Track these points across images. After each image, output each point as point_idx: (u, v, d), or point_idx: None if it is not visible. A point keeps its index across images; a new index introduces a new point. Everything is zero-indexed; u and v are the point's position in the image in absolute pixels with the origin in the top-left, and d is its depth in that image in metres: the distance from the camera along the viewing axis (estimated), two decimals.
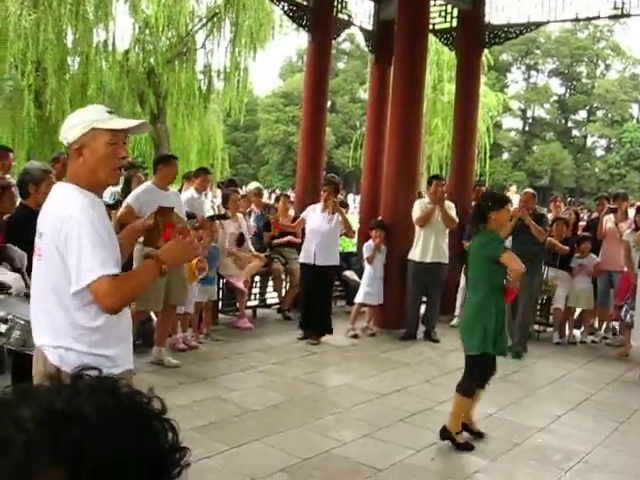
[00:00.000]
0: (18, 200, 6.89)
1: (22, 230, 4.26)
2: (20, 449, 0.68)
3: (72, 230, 2.61)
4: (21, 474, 0.67)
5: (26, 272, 4.99)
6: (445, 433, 5.07)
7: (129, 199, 6.48)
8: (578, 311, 9.39)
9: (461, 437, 5.09)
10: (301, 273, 8.46)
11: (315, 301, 8.07)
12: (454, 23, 10.86)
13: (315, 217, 8.07)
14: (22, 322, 3.72)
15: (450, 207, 8.63)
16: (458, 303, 9.61)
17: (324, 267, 7.98)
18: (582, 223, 10.98)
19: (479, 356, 5.08)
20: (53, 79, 16.78)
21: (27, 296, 4.32)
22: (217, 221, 7.99)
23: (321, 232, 7.95)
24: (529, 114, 61.60)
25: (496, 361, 5.27)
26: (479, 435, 5.31)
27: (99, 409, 0.73)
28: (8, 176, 7.41)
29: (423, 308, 8.97)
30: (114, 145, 2.76)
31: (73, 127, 2.75)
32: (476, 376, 5.17)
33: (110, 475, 0.70)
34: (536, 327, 9.18)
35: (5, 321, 3.71)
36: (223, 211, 8.36)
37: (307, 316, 8.15)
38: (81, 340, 2.72)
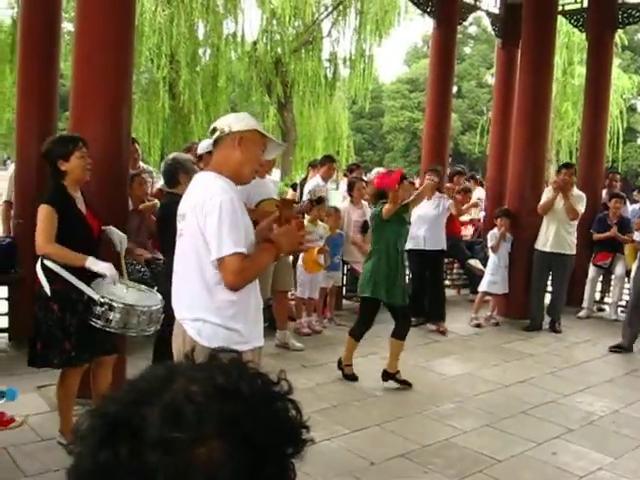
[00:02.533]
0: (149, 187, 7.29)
1: (172, 217, 4.46)
2: (192, 418, 0.75)
3: (214, 208, 2.88)
4: (192, 440, 0.75)
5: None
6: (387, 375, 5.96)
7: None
8: None
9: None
10: (411, 259, 8.46)
11: (428, 287, 8.13)
12: (584, 3, 10.45)
13: (422, 204, 8.05)
14: (121, 305, 3.90)
15: (579, 197, 8.34)
16: (586, 295, 9.32)
17: (434, 252, 8.03)
18: None
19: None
20: (185, 71, 17.46)
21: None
22: (320, 205, 8.05)
23: (428, 218, 7.98)
24: None
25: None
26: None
27: (251, 387, 0.81)
28: (142, 164, 7.84)
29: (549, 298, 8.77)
30: (262, 152, 3.15)
31: (240, 121, 3.09)
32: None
33: (259, 447, 0.78)
34: None
35: (101, 304, 3.88)
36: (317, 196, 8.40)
37: (418, 302, 8.16)
38: (218, 313, 2.98)
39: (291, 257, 7.25)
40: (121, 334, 4.14)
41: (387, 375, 5.94)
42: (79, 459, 0.78)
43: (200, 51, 19.08)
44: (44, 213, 4.01)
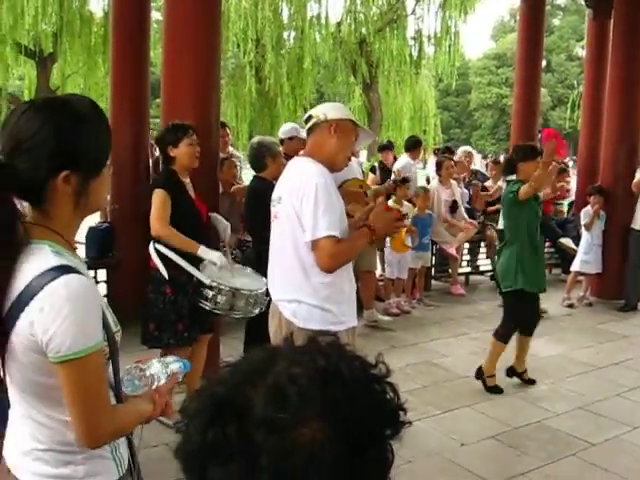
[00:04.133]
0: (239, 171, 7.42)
1: (261, 200, 4.57)
2: (296, 399, 0.79)
3: (310, 191, 2.96)
4: (296, 421, 0.78)
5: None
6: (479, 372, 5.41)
7: None
8: None
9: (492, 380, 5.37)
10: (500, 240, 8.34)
11: None
12: None
13: None
14: (227, 289, 4.03)
15: None
16: None
17: None
18: None
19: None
20: (271, 55, 17.59)
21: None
22: (405, 184, 8.02)
23: None
24: None
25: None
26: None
27: (351, 369, 0.83)
28: (231, 149, 7.98)
29: None
30: (354, 141, 3.23)
31: (336, 109, 3.21)
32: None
33: (358, 429, 0.80)
34: None
35: (210, 288, 4.02)
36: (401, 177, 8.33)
37: None
38: (313, 294, 3.05)
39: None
40: (227, 315, 4.29)
41: (513, 371, 5.55)
42: (188, 437, 0.82)
43: (285, 34, 19.19)
44: (159, 197, 4.18)
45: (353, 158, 6.90)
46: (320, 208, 2.94)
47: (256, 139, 5.67)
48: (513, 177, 5.30)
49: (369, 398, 0.83)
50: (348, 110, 3.30)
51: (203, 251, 4.15)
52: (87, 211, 1.67)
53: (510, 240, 5.26)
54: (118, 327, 1.74)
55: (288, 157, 5.40)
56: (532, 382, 5.53)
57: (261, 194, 5.04)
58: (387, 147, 9.73)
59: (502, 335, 5.35)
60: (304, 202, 2.96)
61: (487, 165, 9.84)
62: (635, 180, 8.14)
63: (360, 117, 20.87)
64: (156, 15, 14.59)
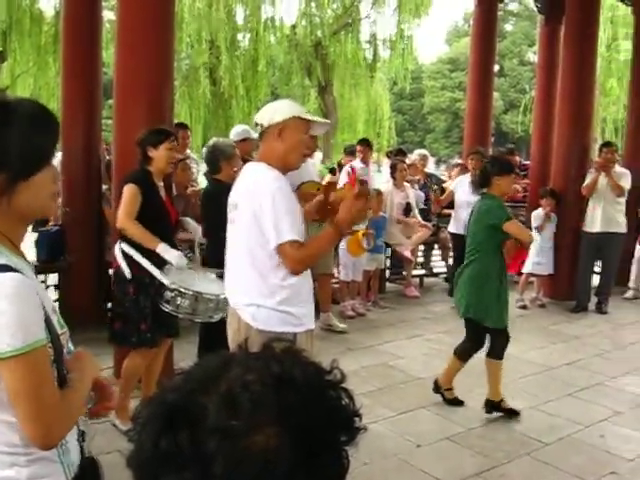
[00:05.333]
0: (194, 173, 7.37)
1: (216, 203, 4.56)
2: (249, 406, 0.78)
3: (267, 197, 2.97)
4: (249, 428, 0.77)
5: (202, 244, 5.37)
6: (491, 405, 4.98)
7: None
8: None
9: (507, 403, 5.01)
10: (454, 243, 8.44)
11: None
12: None
13: (464, 188, 7.97)
14: (189, 292, 4.02)
15: (621, 174, 8.21)
16: (633, 275, 9.17)
17: None
18: None
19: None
20: (225, 56, 17.53)
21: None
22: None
23: (472, 202, 7.83)
24: None
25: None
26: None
27: (305, 375, 0.83)
28: (188, 151, 7.90)
29: (597, 279, 8.64)
30: (307, 135, 3.19)
31: (278, 111, 3.14)
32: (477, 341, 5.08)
33: (313, 435, 0.79)
34: None
35: (172, 290, 4.02)
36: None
37: None
38: (271, 297, 3.06)
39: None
40: (189, 319, 4.29)
41: (491, 405, 5.00)
42: (140, 446, 0.81)
43: (239, 36, 19.12)
44: (129, 191, 4.25)
45: (309, 159, 6.92)
46: (280, 213, 2.95)
47: (211, 141, 5.64)
48: (485, 190, 5.00)
49: (324, 404, 0.82)
50: (294, 105, 3.25)
51: (163, 248, 4.16)
52: (26, 214, 1.63)
53: (480, 259, 4.91)
54: (65, 329, 1.71)
55: (242, 159, 5.38)
56: (516, 413, 5.01)
57: (216, 196, 5.02)
58: (352, 152, 9.74)
59: (498, 353, 5.04)
60: (262, 208, 2.97)
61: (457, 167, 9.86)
62: (585, 183, 8.30)
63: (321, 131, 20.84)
64: (109, 15, 14.39)
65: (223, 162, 5.21)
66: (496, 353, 4.99)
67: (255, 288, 3.08)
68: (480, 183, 5.02)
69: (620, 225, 8.30)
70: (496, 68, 15.32)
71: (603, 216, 8.21)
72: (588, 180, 8.30)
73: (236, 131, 6.40)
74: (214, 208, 4.89)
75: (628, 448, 4.52)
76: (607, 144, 8.78)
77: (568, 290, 8.54)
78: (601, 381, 5.83)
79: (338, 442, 0.83)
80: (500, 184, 4.88)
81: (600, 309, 8.32)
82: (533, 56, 43.99)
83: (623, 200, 8.28)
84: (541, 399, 5.32)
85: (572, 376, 5.92)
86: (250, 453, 0.76)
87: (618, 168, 8.32)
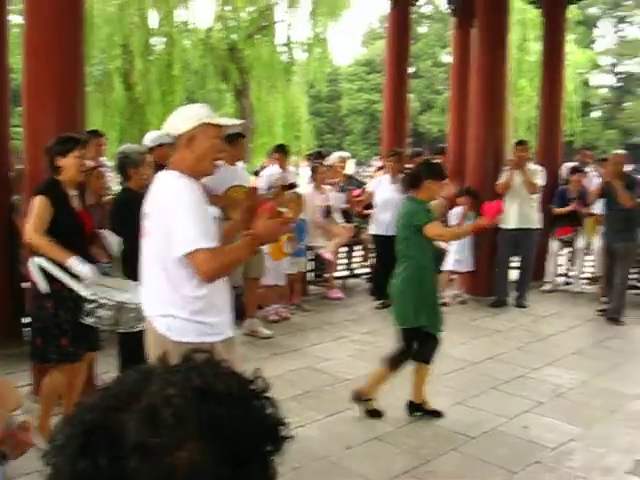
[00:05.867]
0: (108, 181, 7.19)
1: (126, 211, 4.49)
2: (171, 421, 0.74)
3: (176, 207, 2.93)
4: (172, 444, 0.73)
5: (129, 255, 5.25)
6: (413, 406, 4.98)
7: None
8: None
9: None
10: (375, 244, 8.52)
11: (391, 271, 8.06)
12: None
13: (385, 189, 8.06)
14: (111, 303, 3.92)
15: (535, 171, 8.46)
16: (550, 269, 9.45)
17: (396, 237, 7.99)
18: None
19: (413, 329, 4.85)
20: (139, 61, 17.24)
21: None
22: (294, 190, 8.05)
23: (392, 203, 7.93)
24: (620, 69, 59.04)
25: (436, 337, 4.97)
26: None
27: (228, 386, 0.80)
28: (103, 158, 7.71)
29: (515, 274, 8.85)
30: (218, 139, 3.11)
31: (185, 119, 3.07)
32: (408, 350, 4.87)
33: (238, 447, 0.77)
34: (632, 292, 8.90)
35: (92, 302, 3.91)
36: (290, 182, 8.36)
37: (383, 285, 8.17)
38: (185, 308, 3.01)
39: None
40: (111, 331, 4.20)
41: (413, 406, 5.01)
42: (57, 470, 0.77)
43: (153, 40, 18.82)
44: (38, 203, 4.13)
45: (239, 163, 6.86)
46: (190, 222, 2.90)
47: (121, 148, 5.50)
48: (412, 193, 4.95)
49: (248, 415, 0.80)
50: (202, 110, 3.15)
51: (73, 262, 4.03)
52: None
53: (411, 265, 4.90)
54: None
55: (159, 165, 5.27)
56: (438, 414, 4.98)
57: (124, 205, 4.93)
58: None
59: (426, 357, 4.97)
60: (172, 217, 2.92)
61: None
62: (500, 181, 8.49)
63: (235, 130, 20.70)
64: (16, 18, 13.93)
65: (131, 170, 5.07)
66: (424, 357, 4.97)
67: (169, 299, 3.03)
68: (410, 184, 4.95)
69: (535, 221, 8.54)
70: (411, 70, 15.58)
71: (519, 213, 8.42)
72: (503, 178, 8.50)
73: (151, 137, 6.27)
74: (121, 217, 4.79)
75: (550, 437, 4.63)
76: (520, 142, 9.02)
77: (488, 286, 8.72)
78: (523, 373, 5.96)
79: (264, 453, 0.81)
80: (430, 188, 4.85)
81: (519, 303, 8.53)
82: (447, 57, 44.87)
83: (537, 197, 8.52)
84: (466, 394, 5.41)
85: (495, 370, 6.04)
86: (174, 470, 0.73)
87: (531, 165, 8.56)
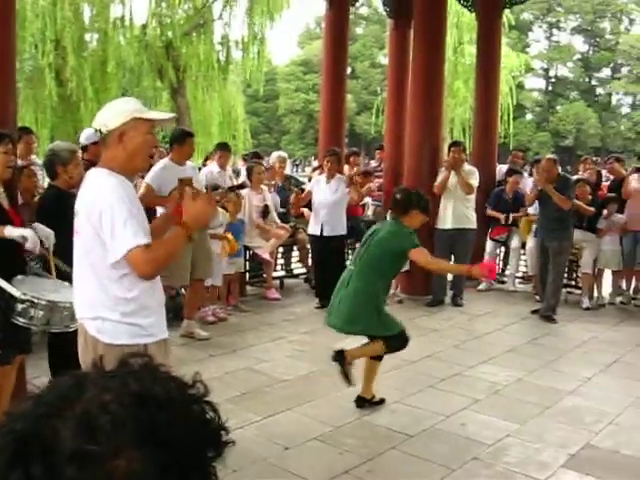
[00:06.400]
0: (40, 180, 7.01)
1: (53, 209, 4.38)
2: (108, 428, 0.71)
3: (105, 208, 2.83)
4: (110, 452, 0.70)
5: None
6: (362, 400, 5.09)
7: (147, 178, 6.51)
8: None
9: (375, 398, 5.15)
10: (311, 245, 8.53)
11: (329, 271, 8.08)
12: None
13: (320, 188, 8.08)
14: (43, 302, 3.81)
15: (470, 172, 8.59)
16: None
17: (333, 237, 8.04)
18: (605, 183, 10.85)
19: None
20: (72, 57, 16.83)
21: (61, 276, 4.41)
22: (238, 191, 8.01)
23: (328, 203, 7.97)
24: (552, 73, 60.57)
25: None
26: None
27: (166, 391, 0.78)
28: (33, 157, 7.51)
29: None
30: (150, 134, 3.03)
31: (114, 115, 2.98)
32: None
33: (178, 454, 0.74)
34: (564, 290, 9.12)
35: (23, 301, 3.79)
36: (240, 182, 8.35)
37: (322, 286, 8.20)
38: (117, 310, 2.93)
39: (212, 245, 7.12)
40: (44, 331, 4.09)
41: (362, 400, 5.13)
42: None
43: (87, 36, 18.40)
44: None
45: (188, 162, 6.76)
46: (120, 222, 2.82)
47: (50, 146, 5.37)
48: (397, 216, 5.10)
49: (188, 420, 0.77)
50: (132, 104, 3.07)
51: (9, 230, 3.93)
52: None
53: (370, 276, 4.97)
54: None
55: (94, 163, 5.16)
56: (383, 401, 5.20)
57: (50, 203, 4.82)
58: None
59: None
60: (102, 217, 2.84)
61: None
62: (436, 182, 8.59)
63: (168, 124, 20.39)
64: None
65: (59, 167, 4.93)
66: (393, 345, 5.11)
67: (99, 301, 2.94)
68: (399, 208, 5.07)
69: (470, 221, 8.66)
70: (348, 70, 15.64)
71: (454, 213, 8.53)
72: (439, 179, 8.61)
73: (86, 134, 6.14)
74: (47, 215, 4.66)
75: (487, 434, 4.69)
76: (455, 143, 9.15)
77: (424, 286, 8.79)
78: (460, 371, 6.04)
79: (205, 459, 0.79)
80: (415, 218, 5.05)
81: (456, 302, 8.64)
82: (384, 59, 45.28)
83: (473, 197, 8.64)
84: (404, 393, 5.44)
85: (432, 368, 6.10)
86: (112, 479, 0.70)
87: (467, 166, 8.69)
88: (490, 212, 9.57)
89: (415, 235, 5.04)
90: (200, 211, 3.02)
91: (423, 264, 5.11)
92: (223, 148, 8.49)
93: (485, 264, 5.21)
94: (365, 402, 5.12)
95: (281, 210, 9.17)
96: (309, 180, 10.01)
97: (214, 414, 0.81)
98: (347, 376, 5.08)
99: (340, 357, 5.08)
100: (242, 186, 7.90)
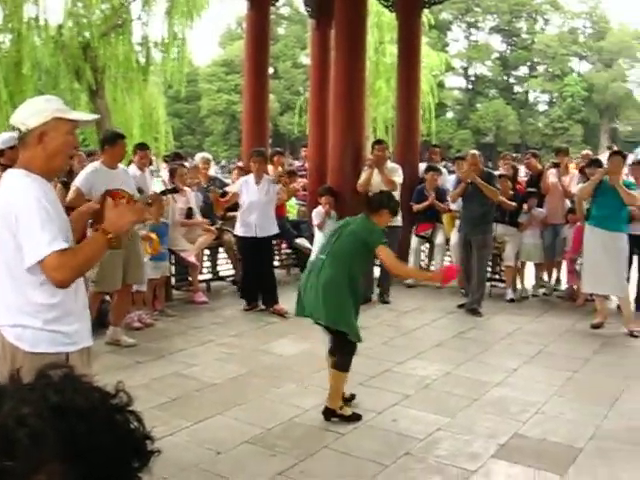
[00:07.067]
0: None
1: None
2: (27, 442, 0.68)
3: (22, 210, 2.72)
4: (29, 468, 0.67)
5: None
6: (329, 413, 4.93)
7: (77, 181, 6.35)
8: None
9: (346, 410, 4.97)
10: (242, 246, 8.44)
11: (261, 272, 8.06)
12: None
13: (250, 190, 8.02)
14: None
15: (393, 170, 8.68)
16: (410, 265, 9.70)
17: (265, 238, 8.00)
18: (524, 178, 11.12)
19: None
20: None
21: None
22: (169, 195, 7.90)
23: (259, 204, 7.91)
24: (471, 72, 62.01)
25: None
26: (352, 398, 5.25)
27: (88, 402, 0.75)
28: None
29: (378, 271, 9.02)
30: (71, 135, 2.93)
31: (35, 114, 2.86)
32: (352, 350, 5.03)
33: (102, 466, 0.72)
34: (489, 284, 9.30)
35: None
36: (172, 185, 8.20)
37: (251, 287, 8.16)
38: (37, 317, 2.81)
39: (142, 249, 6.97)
40: None
41: (330, 413, 4.93)
42: None
43: (0, 37, 17.86)
44: None
45: (120, 166, 6.58)
46: (37, 224, 2.70)
47: None
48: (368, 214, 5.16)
49: (111, 431, 0.74)
50: (53, 102, 2.96)
51: None
52: None
53: (339, 266, 4.93)
54: None
55: (10, 167, 4.98)
56: (357, 418, 4.94)
57: None
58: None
59: (344, 365, 4.99)
60: (19, 220, 2.72)
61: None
62: (360, 181, 8.64)
63: (89, 125, 19.93)
64: None
65: None
66: (342, 365, 4.97)
67: (19, 308, 2.82)
68: (371, 206, 5.22)
69: (396, 219, 8.70)
70: (271, 70, 15.59)
71: None
72: (363, 177, 8.66)
73: (3, 138, 5.94)
74: None
75: (419, 428, 4.73)
76: (378, 142, 9.24)
77: None
78: (389, 367, 6.08)
79: (130, 469, 0.76)
80: (384, 217, 5.19)
81: (383, 299, 8.71)
82: (306, 59, 45.42)
83: (397, 194, 8.70)
84: None
85: (362, 365, 6.06)
86: None
87: (390, 164, 8.78)
88: (416, 207, 9.67)
89: (383, 234, 5.11)
90: (120, 217, 2.92)
91: (389, 264, 5.17)
92: (142, 148, 8.28)
93: (447, 269, 5.37)
94: (332, 414, 4.93)
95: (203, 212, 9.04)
96: (232, 181, 9.91)
97: (138, 423, 0.79)
98: (351, 416, 4.93)
99: (332, 414, 4.92)
100: (175, 190, 7.78)
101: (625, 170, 8.62)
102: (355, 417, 4.92)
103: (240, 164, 10.62)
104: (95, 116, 3.46)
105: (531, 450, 4.44)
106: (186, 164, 9.69)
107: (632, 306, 7.82)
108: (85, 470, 0.70)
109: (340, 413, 4.91)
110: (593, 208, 7.54)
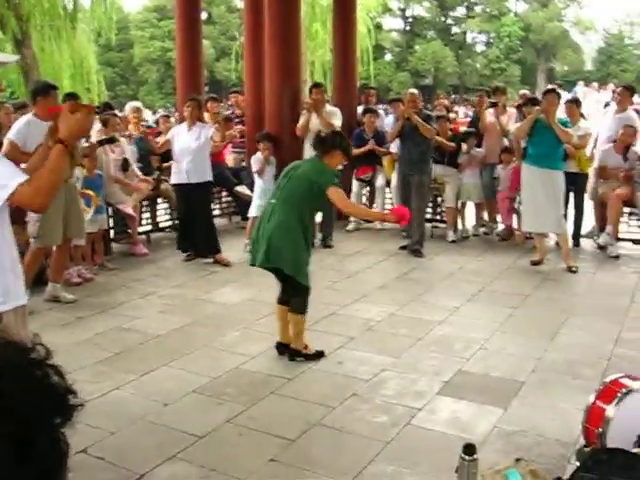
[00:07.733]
0: None
1: None
2: None
3: None
4: None
5: None
6: (294, 353, 5.05)
7: (10, 135, 6.13)
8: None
9: (310, 349, 5.08)
10: (177, 195, 8.30)
11: (197, 221, 7.91)
12: None
13: (182, 136, 7.85)
14: None
15: (332, 113, 8.61)
16: None
17: (200, 184, 7.81)
18: (466, 119, 11.17)
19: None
20: None
21: None
22: (106, 146, 7.70)
23: (191, 150, 7.73)
24: (409, 13, 61.46)
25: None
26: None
27: (3, 357, 0.73)
28: None
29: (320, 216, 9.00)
30: None
31: None
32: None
33: (22, 422, 0.69)
34: (430, 225, 9.39)
35: None
36: (109, 135, 7.94)
37: (188, 237, 8.03)
38: None
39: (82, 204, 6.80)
40: None
41: (294, 353, 5.05)
42: None
43: None
44: None
45: None
46: None
47: None
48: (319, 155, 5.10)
49: (29, 386, 0.72)
50: None
51: None
52: None
53: (290, 209, 4.91)
54: None
55: None
56: (320, 354, 5.08)
57: None
58: None
59: (301, 308, 5.05)
60: None
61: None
62: (299, 125, 8.56)
63: (15, 77, 19.23)
64: None
65: None
66: (298, 307, 5.02)
67: None
68: (322, 147, 5.11)
69: None
70: (204, 15, 15.18)
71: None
72: (301, 121, 8.57)
73: None
74: None
75: (364, 369, 4.79)
76: (316, 85, 9.13)
77: None
78: (334, 311, 6.11)
79: (52, 425, 0.73)
80: (335, 158, 5.09)
81: (326, 244, 8.72)
82: (240, 2, 44.41)
83: None
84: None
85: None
86: None
87: (328, 107, 8.70)
88: (356, 151, 9.62)
89: (336, 175, 5.08)
90: (76, 123, 2.84)
91: (340, 205, 5.14)
92: (71, 97, 7.98)
93: (398, 210, 5.28)
94: (286, 349, 5.07)
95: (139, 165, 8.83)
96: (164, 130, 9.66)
97: (59, 377, 0.75)
98: (314, 354, 5.03)
99: (296, 353, 5.02)
100: (112, 140, 7.57)
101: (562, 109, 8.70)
102: (318, 354, 5.03)
103: (165, 114, 10.37)
104: (14, 57, 3.30)
105: (475, 385, 4.54)
106: (119, 113, 9.43)
107: (570, 242, 7.99)
108: (4, 427, 0.68)
109: (305, 352, 5.01)
110: (529, 147, 7.61)
